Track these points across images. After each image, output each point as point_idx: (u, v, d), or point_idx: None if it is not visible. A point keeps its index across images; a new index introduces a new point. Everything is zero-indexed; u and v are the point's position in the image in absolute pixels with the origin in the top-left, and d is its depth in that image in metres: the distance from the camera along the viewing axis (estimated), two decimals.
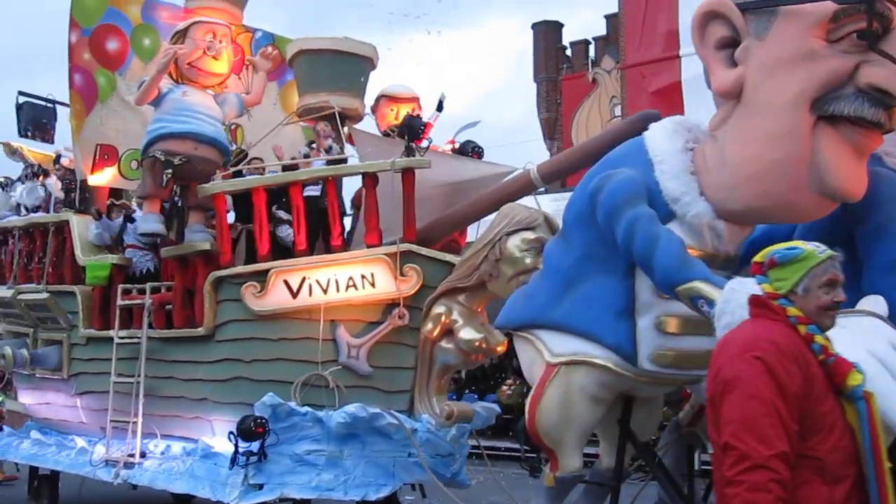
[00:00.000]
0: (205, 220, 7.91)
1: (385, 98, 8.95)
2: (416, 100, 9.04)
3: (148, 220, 7.84)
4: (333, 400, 6.80)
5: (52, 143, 10.48)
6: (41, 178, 9.81)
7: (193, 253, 7.63)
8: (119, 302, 8.01)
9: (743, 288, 3.77)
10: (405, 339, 6.85)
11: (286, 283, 6.95)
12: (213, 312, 7.32)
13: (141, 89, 7.83)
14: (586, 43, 29.05)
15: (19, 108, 10.18)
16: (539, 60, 29.97)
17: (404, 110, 8.91)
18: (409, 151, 6.91)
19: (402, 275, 6.75)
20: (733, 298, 3.85)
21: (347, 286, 6.86)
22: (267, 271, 7.01)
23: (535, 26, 30.30)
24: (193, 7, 8.77)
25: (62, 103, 10.22)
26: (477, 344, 6.55)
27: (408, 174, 6.83)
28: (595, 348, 4.87)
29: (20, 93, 10.21)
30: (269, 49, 8.67)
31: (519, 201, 6.44)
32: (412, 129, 7.03)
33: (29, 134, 10.19)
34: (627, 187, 4.64)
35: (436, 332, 6.66)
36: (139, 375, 7.64)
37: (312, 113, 8.23)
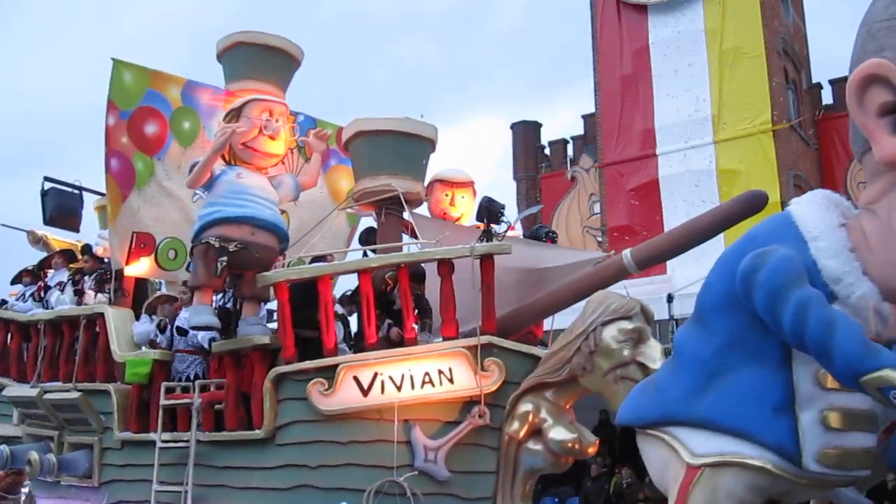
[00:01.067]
0: (258, 312, 7.33)
1: (439, 182, 8.63)
2: (471, 184, 8.73)
3: (200, 313, 7.12)
4: None
5: (78, 231, 9.90)
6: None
7: (249, 348, 7.04)
8: (162, 401, 7.35)
9: None
10: (486, 441, 6.25)
11: (356, 379, 6.38)
12: (273, 413, 6.70)
13: (193, 172, 7.29)
14: (564, 142, 29.38)
15: (45, 194, 9.59)
16: (518, 159, 30.14)
17: (459, 195, 8.64)
18: (487, 236, 6.44)
19: (482, 369, 6.21)
20: None
21: (423, 382, 6.30)
22: (335, 367, 6.44)
23: (514, 126, 30.57)
24: (235, 89, 8.23)
25: (89, 190, 9.77)
26: (570, 445, 5.97)
27: (486, 260, 6.33)
28: (748, 447, 4.34)
29: (46, 178, 9.63)
30: (319, 130, 8.24)
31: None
32: (491, 212, 6.57)
33: (55, 222, 9.60)
34: (790, 266, 4.16)
35: (522, 433, 6.07)
36: (187, 484, 6.95)
37: (371, 196, 7.69)
